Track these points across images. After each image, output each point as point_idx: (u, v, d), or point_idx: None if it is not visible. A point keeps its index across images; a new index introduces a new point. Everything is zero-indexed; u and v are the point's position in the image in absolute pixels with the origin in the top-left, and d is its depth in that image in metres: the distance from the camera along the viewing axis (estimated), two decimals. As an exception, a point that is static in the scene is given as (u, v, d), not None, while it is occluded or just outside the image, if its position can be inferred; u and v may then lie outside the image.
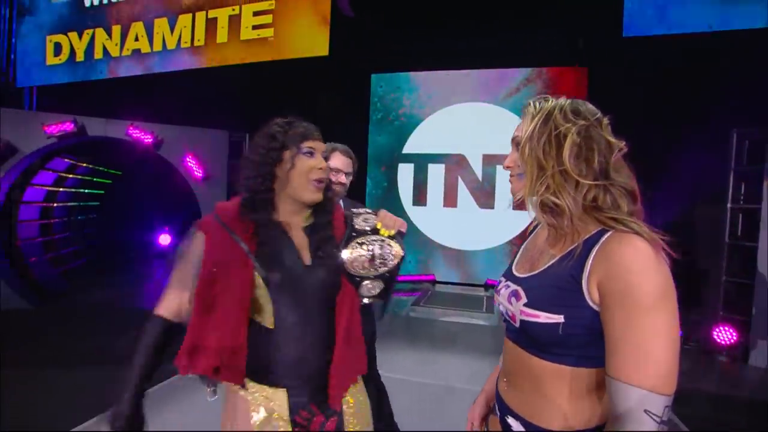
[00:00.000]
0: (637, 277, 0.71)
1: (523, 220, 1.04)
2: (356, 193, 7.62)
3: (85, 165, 6.61)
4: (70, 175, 6.52)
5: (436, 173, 7.27)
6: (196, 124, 5.43)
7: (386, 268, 1.12)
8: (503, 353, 0.95)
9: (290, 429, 1.09)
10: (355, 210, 1.21)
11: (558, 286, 0.79)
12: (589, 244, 0.78)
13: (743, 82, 4.22)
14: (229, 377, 1.08)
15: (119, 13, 5.74)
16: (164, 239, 7.63)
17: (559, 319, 0.77)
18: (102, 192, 7.47)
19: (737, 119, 4.23)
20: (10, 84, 6.30)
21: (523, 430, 0.86)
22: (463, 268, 6.98)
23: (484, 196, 7.10)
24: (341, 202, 1.90)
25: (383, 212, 1.20)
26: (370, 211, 1.22)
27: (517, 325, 0.85)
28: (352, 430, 1.17)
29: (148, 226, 7.72)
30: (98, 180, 7.28)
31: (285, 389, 1.10)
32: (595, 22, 4.94)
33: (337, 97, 6.88)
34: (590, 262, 0.76)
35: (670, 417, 0.83)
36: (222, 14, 5.35)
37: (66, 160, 6.07)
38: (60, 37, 6.01)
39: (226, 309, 1.07)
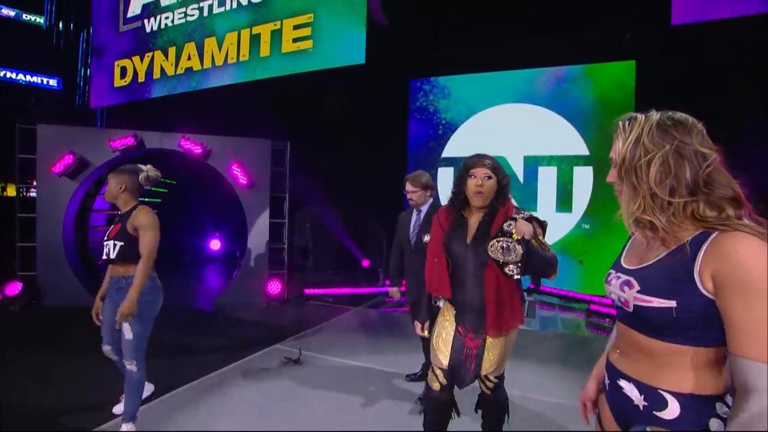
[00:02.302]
0: (753, 269, 0.82)
1: (566, 223, 1.12)
2: (397, 198, 7.64)
3: (145, 176, 7.18)
4: (132, 186, 7.10)
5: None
6: (241, 135, 5.76)
7: (511, 259, 1.79)
8: (616, 335, 1.09)
9: (453, 330, 1.94)
10: (515, 215, 1.85)
11: (669, 276, 0.91)
12: (698, 242, 0.89)
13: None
14: (441, 295, 1.98)
15: (174, 34, 6.23)
16: (214, 244, 8.08)
17: (672, 304, 0.90)
18: (159, 200, 8.06)
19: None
20: (86, 106, 7.01)
21: (635, 389, 0.99)
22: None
23: (526, 198, 6.92)
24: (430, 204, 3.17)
25: (519, 221, 1.81)
26: (518, 216, 1.84)
27: (631, 309, 0.98)
28: (485, 357, 1.90)
29: (200, 232, 8.23)
30: (156, 189, 7.88)
31: (454, 308, 1.96)
32: (641, 13, 4.72)
33: (376, 104, 7.02)
34: (701, 257, 0.88)
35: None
36: (265, 30, 5.65)
37: (128, 171, 6.62)
38: (125, 62, 6.62)
39: (436, 261, 1.96)
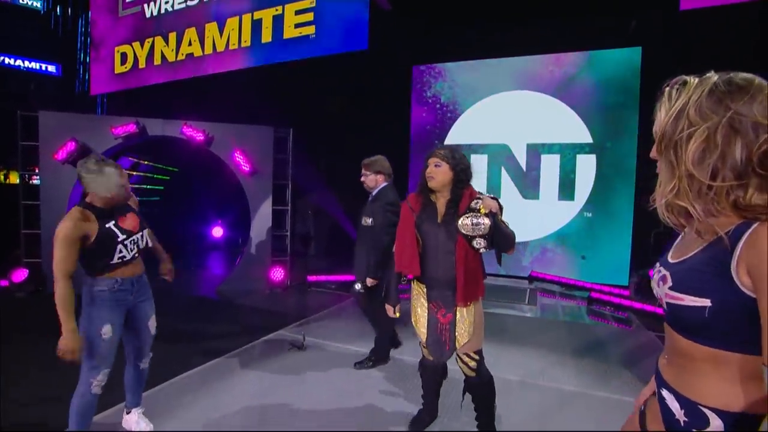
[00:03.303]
0: None
1: (568, 212, 1.05)
2: (399, 184, 7.71)
3: (146, 162, 7.18)
4: (134, 173, 7.10)
5: (478, 164, 7.15)
6: (243, 122, 5.73)
7: (480, 232, 2.00)
8: (665, 333, 0.98)
9: (427, 305, 2.17)
10: (480, 195, 2.07)
11: (703, 270, 0.80)
12: (738, 233, 0.76)
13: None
14: (410, 273, 2.17)
15: (175, 20, 6.15)
16: (217, 231, 8.10)
17: (706, 302, 0.79)
18: (162, 188, 8.07)
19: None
20: (86, 93, 6.95)
21: (675, 401, 0.89)
22: (502, 261, 6.81)
23: (529, 186, 6.91)
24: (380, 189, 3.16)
25: (485, 198, 2.02)
26: (482, 196, 2.05)
27: (666, 309, 0.89)
28: (458, 330, 2.11)
29: (202, 219, 8.24)
30: (158, 177, 7.88)
31: (426, 285, 2.17)
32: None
33: (379, 90, 6.96)
34: (739, 249, 0.75)
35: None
36: (266, 15, 5.59)
37: (130, 158, 6.62)
38: (125, 48, 6.54)
39: (407, 242, 2.16)
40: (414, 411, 2.56)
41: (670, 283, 0.86)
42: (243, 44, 5.87)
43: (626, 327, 4.77)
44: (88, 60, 7.00)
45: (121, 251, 2.06)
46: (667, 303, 0.87)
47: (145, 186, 7.64)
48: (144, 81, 6.42)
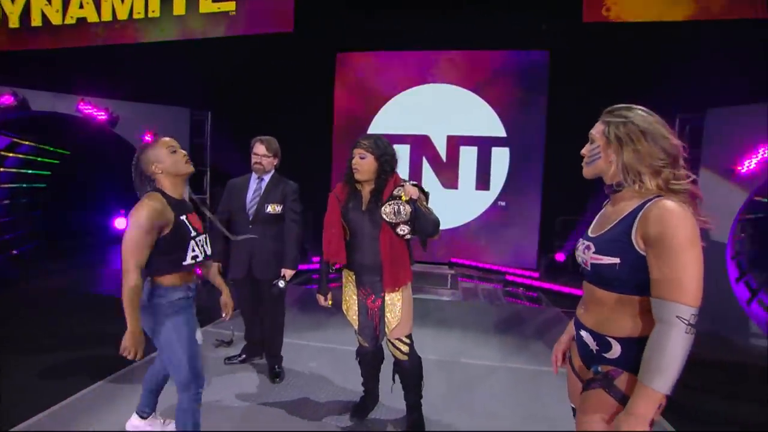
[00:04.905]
0: (670, 228, 1.05)
1: (484, 200, 1.21)
2: (324, 169, 7.49)
3: (28, 143, 6.17)
4: (11, 154, 6.07)
5: (400, 153, 7.26)
6: (155, 101, 5.17)
7: (402, 219, 2.09)
8: (583, 291, 1.33)
9: (357, 292, 2.25)
10: (402, 182, 2.14)
11: (616, 239, 1.16)
12: (636, 210, 1.13)
13: (686, 74, 4.55)
14: (338, 261, 2.22)
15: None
16: (120, 223, 7.29)
17: (616, 260, 1.15)
18: (48, 173, 7.01)
19: (680, 107, 4.57)
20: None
21: (591, 338, 1.24)
22: (427, 247, 7.12)
23: (448, 176, 7.27)
24: (275, 173, 2.97)
25: (406, 185, 2.10)
26: (404, 183, 2.13)
27: (589, 268, 1.23)
28: (387, 315, 2.21)
29: (102, 209, 7.34)
30: (44, 160, 6.82)
31: (354, 272, 2.25)
32: (557, 7, 5.08)
33: (303, 76, 6.74)
34: (636, 222, 1.12)
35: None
36: (179, -17, 5.06)
37: (5, 136, 5.64)
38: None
39: (334, 231, 2.20)
40: (356, 399, 2.59)
41: (593, 249, 1.21)
42: (151, 14, 5.26)
43: (537, 305, 5.31)
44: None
45: (194, 249, 1.82)
46: (592, 264, 1.21)
47: (26, 170, 6.56)
48: (20, 44, 5.44)
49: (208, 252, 1.92)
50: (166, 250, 1.75)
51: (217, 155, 5.54)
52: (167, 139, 1.83)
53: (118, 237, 7.40)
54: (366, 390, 2.52)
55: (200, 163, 5.47)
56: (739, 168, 4.11)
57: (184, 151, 1.86)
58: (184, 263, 1.80)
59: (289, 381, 2.94)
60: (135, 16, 5.22)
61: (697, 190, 1.15)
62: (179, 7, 5.16)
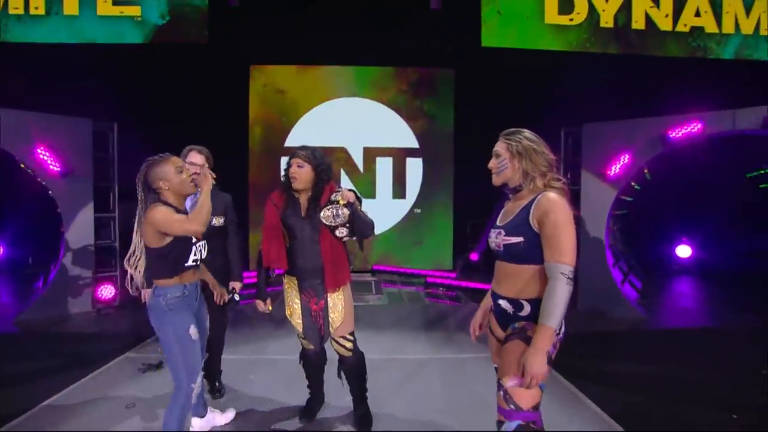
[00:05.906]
0: (553, 212, 1.47)
1: (401, 209, 1.52)
2: (240, 183, 7.25)
3: None
4: None
5: (320, 165, 7.41)
6: (50, 111, 4.65)
7: (340, 221, 2.25)
8: (495, 270, 1.67)
9: (299, 296, 2.35)
10: (338, 189, 2.29)
11: (519, 224, 1.55)
12: (531, 202, 1.54)
13: (569, 94, 5.39)
14: (279, 267, 2.35)
15: None
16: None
17: (520, 239, 1.54)
18: None
19: (564, 121, 5.39)
20: None
21: (507, 303, 1.59)
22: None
23: (366, 186, 7.54)
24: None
25: (343, 190, 2.28)
26: (340, 189, 2.29)
27: (501, 249, 1.59)
28: (332, 315, 2.33)
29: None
30: None
31: (296, 277, 2.35)
32: (461, 29, 5.59)
33: (216, 87, 6.56)
34: (532, 209, 1.52)
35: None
36: (73, -20, 4.62)
37: None
38: None
39: (274, 237, 2.31)
40: (302, 403, 2.66)
41: (504, 233, 1.59)
42: (33, 11, 4.70)
43: (457, 303, 5.80)
44: None
45: (195, 254, 2.02)
46: (504, 245, 1.58)
47: None
48: None
49: (204, 255, 2.10)
50: (170, 256, 1.94)
51: (125, 170, 5.14)
52: (175, 158, 2.01)
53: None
54: (312, 392, 2.61)
55: (107, 178, 5.05)
56: (609, 172, 4.97)
57: (189, 171, 2.04)
58: (186, 265, 1.99)
59: (230, 395, 2.91)
60: (12, 11, 4.61)
61: (567, 187, 1.60)
62: (71, 7, 4.68)
